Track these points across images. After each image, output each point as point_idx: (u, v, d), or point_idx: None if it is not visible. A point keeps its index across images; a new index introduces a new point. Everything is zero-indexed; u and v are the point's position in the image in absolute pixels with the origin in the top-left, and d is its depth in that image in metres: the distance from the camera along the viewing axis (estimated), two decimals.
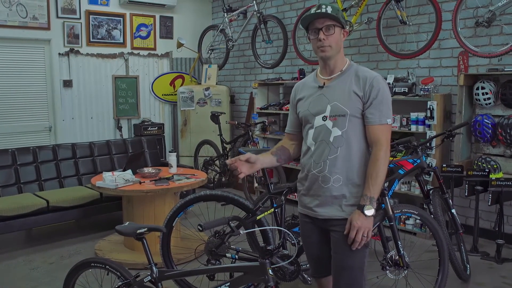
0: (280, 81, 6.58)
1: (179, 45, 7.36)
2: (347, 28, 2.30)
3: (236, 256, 2.82)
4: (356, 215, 2.18)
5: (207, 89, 7.19)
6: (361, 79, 2.25)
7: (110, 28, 7.03)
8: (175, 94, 7.59)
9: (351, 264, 2.26)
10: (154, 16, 7.46)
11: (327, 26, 2.23)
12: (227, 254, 2.83)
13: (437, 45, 5.05)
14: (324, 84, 2.32)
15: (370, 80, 2.23)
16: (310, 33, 2.30)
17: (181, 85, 7.69)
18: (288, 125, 2.56)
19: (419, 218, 3.40)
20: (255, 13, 6.60)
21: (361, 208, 2.17)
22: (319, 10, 2.23)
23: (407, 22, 5.04)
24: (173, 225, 3.34)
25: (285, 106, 6.31)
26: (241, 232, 2.28)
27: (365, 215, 2.16)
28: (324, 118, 2.29)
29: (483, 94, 4.56)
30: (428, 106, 4.75)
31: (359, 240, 2.17)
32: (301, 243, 3.34)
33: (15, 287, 3.87)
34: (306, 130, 2.39)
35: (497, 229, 4.36)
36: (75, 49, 6.74)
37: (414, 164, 3.76)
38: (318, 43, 2.25)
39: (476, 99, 4.63)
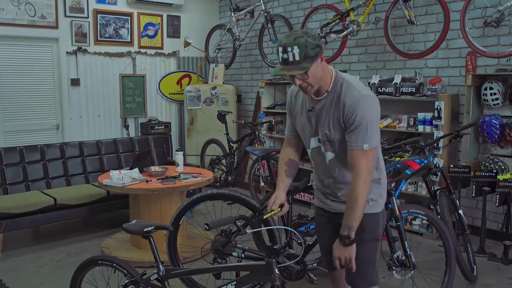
0: (287, 81, 6.58)
1: (186, 44, 7.37)
2: (323, 53, 2.16)
3: (242, 255, 2.82)
4: (336, 245, 2.22)
5: (214, 88, 7.20)
6: (342, 103, 2.18)
7: (118, 27, 7.05)
8: (182, 93, 7.60)
9: (361, 257, 2.29)
10: (161, 15, 7.48)
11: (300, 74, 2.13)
12: (233, 253, 2.83)
13: (445, 45, 5.03)
14: (313, 108, 2.29)
15: (349, 105, 2.15)
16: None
17: (188, 84, 7.70)
18: (287, 129, 2.57)
19: (426, 218, 3.39)
20: (262, 12, 6.60)
21: (340, 238, 2.20)
22: (285, 55, 2.09)
23: (415, 22, 5.02)
24: (180, 223, 3.34)
25: None
26: (247, 231, 2.28)
27: (343, 245, 2.19)
28: (319, 141, 2.33)
29: (491, 94, 4.53)
30: (436, 106, 4.73)
31: (339, 268, 2.24)
32: (307, 243, 3.35)
33: (22, 284, 3.89)
34: (305, 144, 2.45)
35: (504, 230, 4.34)
36: (83, 47, 6.77)
37: (421, 165, 3.75)
38: (296, 85, 2.19)
39: (484, 100, 4.61)
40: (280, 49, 2.11)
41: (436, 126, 4.81)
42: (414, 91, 5.05)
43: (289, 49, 2.07)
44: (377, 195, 2.34)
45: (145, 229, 2.39)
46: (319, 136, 2.31)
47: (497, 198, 4.24)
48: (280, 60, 2.13)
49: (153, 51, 7.46)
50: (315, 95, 2.26)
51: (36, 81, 6.48)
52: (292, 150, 2.55)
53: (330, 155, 2.31)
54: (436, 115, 4.75)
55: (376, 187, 2.33)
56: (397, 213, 3.19)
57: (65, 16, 6.56)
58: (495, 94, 4.51)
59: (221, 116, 6.57)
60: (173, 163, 5.39)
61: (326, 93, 2.23)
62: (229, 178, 6.58)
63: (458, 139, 4.05)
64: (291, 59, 2.08)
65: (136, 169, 4.62)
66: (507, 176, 4.44)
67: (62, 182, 5.47)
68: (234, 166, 6.54)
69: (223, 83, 7.37)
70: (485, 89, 4.57)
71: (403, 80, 5.20)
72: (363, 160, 2.14)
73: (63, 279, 3.88)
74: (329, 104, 2.22)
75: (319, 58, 2.14)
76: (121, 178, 4.38)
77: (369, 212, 2.30)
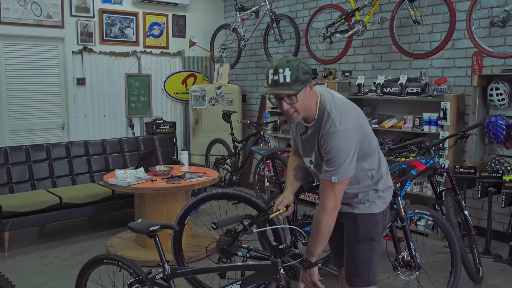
0: None
1: (192, 44, 7.38)
2: (312, 81, 2.16)
3: (247, 255, 2.82)
4: (301, 268, 2.31)
5: (219, 88, 7.20)
6: (320, 134, 2.20)
7: (123, 26, 7.07)
8: (187, 93, 7.62)
9: (357, 255, 2.36)
10: (166, 15, 7.49)
11: (289, 95, 2.11)
12: (238, 253, 2.83)
13: (451, 45, 5.01)
14: (304, 132, 2.32)
15: (323, 137, 2.17)
16: (273, 97, 2.20)
17: (193, 83, 7.71)
18: (291, 139, 2.60)
19: (431, 219, 3.38)
20: (267, 12, 6.60)
21: (301, 261, 2.29)
22: (276, 77, 2.08)
23: (421, 22, 5.01)
24: (185, 223, 3.34)
25: None
26: (254, 230, 2.29)
27: (303, 268, 2.28)
28: (311, 162, 2.37)
29: (497, 95, 4.51)
30: (441, 107, 4.72)
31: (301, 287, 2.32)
32: None
33: (28, 282, 3.91)
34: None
35: (510, 231, 4.32)
36: (89, 47, 6.79)
37: (427, 165, 3.74)
38: (283, 111, 2.17)
39: (490, 100, 4.59)
40: (271, 71, 2.10)
41: (442, 127, 4.79)
42: (419, 91, 5.04)
43: (281, 70, 2.06)
44: (375, 197, 2.36)
45: (150, 228, 2.40)
46: (311, 158, 2.36)
47: (503, 199, 4.22)
48: (270, 82, 2.11)
49: (158, 51, 7.47)
50: (305, 121, 2.27)
51: (42, 80, 6.50)
52: (299, 158, 2.57)
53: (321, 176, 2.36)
54: (441, 115, 4.74)
55: (373, 192, 2.36)
56: (403, 213, 3.18)
57: (71, 15, 6.58)
58: (501, 94, 4.49)
59: (226, 116, 6.57)
60: (178, 162, 5.40)
61: (314, 121, 2.23)
62: (234, 178, 6.59)
63: (464, 139, 4.04)
64: (281, 80, 2.07)
65: (142, 169, 4.63)
66: None
67: (68, 181, 5.49)
68: (239, 166, 6.55)
69: (228, 83, 7.37)
70: (491, 89, 4.55)
71: (409, 80, 5.19)
72: (330, 193, 2.17)
73: (69, 278, 3.90)
74: (315, 133, 2.24)
75: (309, 86, 2.13)
76: (127, 177, 4.39)
77: (365, 213, 2.35)
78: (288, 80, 2.06)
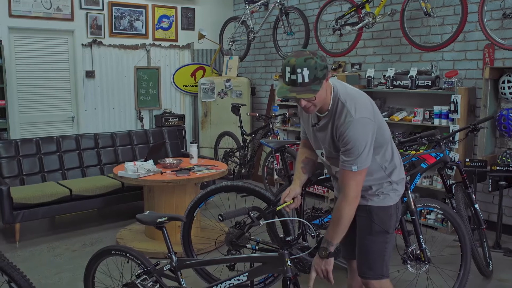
0: None
1: (201, 36, 7.37)
2: (331, 69, 2.19)
3: (256, 247, 2.82)
4: (316, 256, 2.28)
5: (228, 80, 7.19)
6: (335, 125, 2.19)
7: (132, 19, 7.07)
8: (196, 86, 7.62)
9: (370, 248, 2.35)
10: (175, 8, 7.48)
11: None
12: (247, 245, 2.83)
13: (462, 37, 4.96)
14: (316, 124, 2.30)
15: (340, 127, 2.15)
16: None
17: (202, 76, 7.71)
18: (302, 131, 2.59)
19: (441, 212, 3.36)
20: (276, 4, 6.57)
21: (318, 249, 2.26)
22: (294, 76, 2.04)
23: (432, 14, 4.95)
24: (194, 215, 3.36)
25: None
26: (261, 222, 2.28)
27: (320, 257, 2.24)
28: (323, 155, 2.37)
29: (509, 87, 4.46)
30: (452, 100, 4.68)
31: (313, 277, 2.26)
32: (321, 236, 3.34)
33: (39, 273, 3.95)
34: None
35: None
36: (98, 40, 6.80)
37: (437, 158, 3.71)
38: (301, 106, 2.15)
39: (502, 93, 4.54)
40: (288, 69, 2.06)
41: (452, 120, 4.75)
42: (430, 84, 4.99)
43: (299, 70, 2.03)
44: (389, 190, 2.36)
45: (158, 220, 2.40)
46: (322, 151, 2.35)
47: None
48: (287, 80, 2.08)
49: (167, 44, 7.47)
50: (318, 111, 2.25)
51: (52, 73, 6.53)
52: (308, 150, 2.57)
53: (335, 168, 2.35)
54: (452, 108, 4.69)
55: (387, 184, 2.35)
56: (413, 206, 3.17)
57: (81, 8, 6.59)
58: None
59: (235, 109, 6.56)
60: (187, 155, 5.41)
61: (327, 111, 2.22)
62: (243, 171, 6.59)
63: (475, 132, 4.00)
64: (300, 80, 2.04)
65: (151, 161, 4.65)
66: None
67: (78, 173, 5.53)
68: (248, 158, 6.54)
69: (237, 76, 7.36)
70: (503, 82, 4.50)
71: (419, 73, 5.15)
72: (352, 182, 2.16)
73: (79, 269, 3.93)
74: (328, 124, 2.23)
75: (326, 79, 2.13)
76: (136, 169, 4.40)
77: (379, 205, 2.35)
78: (306, 79, 2.04)
